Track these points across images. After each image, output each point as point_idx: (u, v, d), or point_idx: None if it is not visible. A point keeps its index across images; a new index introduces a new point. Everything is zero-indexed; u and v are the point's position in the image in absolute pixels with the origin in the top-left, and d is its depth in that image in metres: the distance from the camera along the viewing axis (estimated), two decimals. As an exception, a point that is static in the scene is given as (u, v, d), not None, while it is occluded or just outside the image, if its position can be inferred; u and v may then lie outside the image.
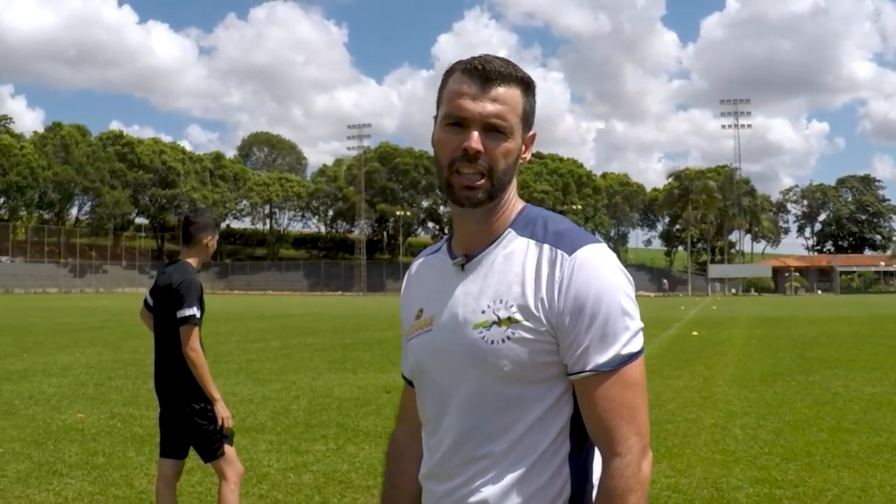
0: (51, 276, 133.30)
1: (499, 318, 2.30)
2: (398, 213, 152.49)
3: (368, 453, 10.27)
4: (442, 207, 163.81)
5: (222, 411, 6.64)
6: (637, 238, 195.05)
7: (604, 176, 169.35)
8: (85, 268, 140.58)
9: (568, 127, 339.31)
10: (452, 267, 2.45)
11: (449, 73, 2.42)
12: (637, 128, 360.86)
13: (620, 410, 2.28)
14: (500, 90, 2.33)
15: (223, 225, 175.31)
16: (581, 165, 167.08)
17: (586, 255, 2.32)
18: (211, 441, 6.65)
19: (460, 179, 2.32)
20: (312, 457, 10.07)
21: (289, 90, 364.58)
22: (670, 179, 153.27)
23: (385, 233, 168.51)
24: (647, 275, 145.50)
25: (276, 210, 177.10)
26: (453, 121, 2.32)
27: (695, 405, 14.36)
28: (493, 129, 2.31)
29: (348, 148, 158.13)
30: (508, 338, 2.28)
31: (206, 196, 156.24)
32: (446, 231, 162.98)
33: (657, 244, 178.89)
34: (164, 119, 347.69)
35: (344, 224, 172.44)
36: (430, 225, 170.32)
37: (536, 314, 2.29)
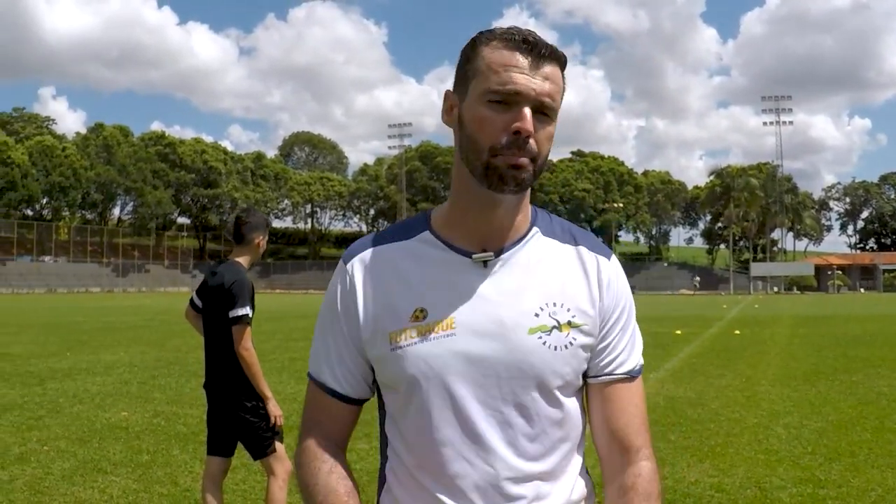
0: (93, 275, 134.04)
1: (558, 322, 2.20)
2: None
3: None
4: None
5: (274, 409, 6.76)
6: (679, 236, 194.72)
7: (645, 174, 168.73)
8: (127, 267, 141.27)
9: (608, 125, 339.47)
10: (468, 263, 2.18)
11: (482, 43, 2.16)
12: (678, 125, 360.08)
13: (643, 416, 2.30)
14: (549, 68, 2.11)
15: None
16: (622, 163, 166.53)
17: (618, 263, 2.38)
18: (262, 438, 6.78)
19: (506, 159, 2.06)
20: (355, 455, 10.11)
21: (329, 90, 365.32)
22: (712, 177, 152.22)
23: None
24: (689, 273, 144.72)
25: (318, 209, 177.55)
26: (500, 97, 2.06)
27: (738, 404, 14.30)
28: (541, 111, 2.09)
29: (389, 147, 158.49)
30: (571, 343, 2.20)
31: (247, 196, 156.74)
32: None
33: (699, 242, 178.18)
34: (205, 119, 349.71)
35: (385, 223, 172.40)
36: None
37: (593, 318, 2.25)
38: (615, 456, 2.25)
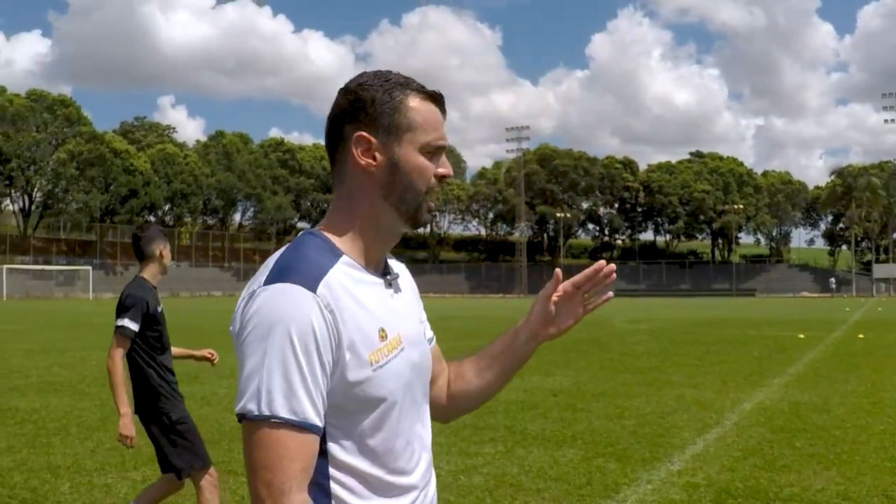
0: (215, 279, 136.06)
1: (425, 322, 2.62)
2: (558, 214, 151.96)
3: (537, 456, 10.34)
4: (602, 209, 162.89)
5: (124, 429, 6.68)
6: (800, 238, 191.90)
7: (764, 174, 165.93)
8: (248, 271, 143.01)
9: (726, 124, 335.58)
10: (383, 284, 2.38)
11: (404, 95, 2.37)
12: (796, 123, 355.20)
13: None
14: None
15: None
16: (741, 164, 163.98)
17: None
18: (165, 453, 6.87)
19: (429, 204, 2.39)
20: (482, 459, 10.19)
21: (445, 94, 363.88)
22: (832, 177, 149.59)
23: (545, 235, 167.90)
24: (811, 275, 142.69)
25: (437, 213, 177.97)
26: (434, 149, 2.37)
27: (863, 410, 14.14)
28: None
29: (507, 151, 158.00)
30: (429, 346, 2.60)
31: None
32: (606, 232, 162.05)
33: (820, 243, 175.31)
34: (322, 125, 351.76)
35: (504, 226, 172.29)
36: (591, 226, 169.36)
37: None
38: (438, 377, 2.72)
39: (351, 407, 2.23)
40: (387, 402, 2.26)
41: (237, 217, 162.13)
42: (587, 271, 2.52)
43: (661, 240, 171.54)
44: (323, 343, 2.14)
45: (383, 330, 2.27)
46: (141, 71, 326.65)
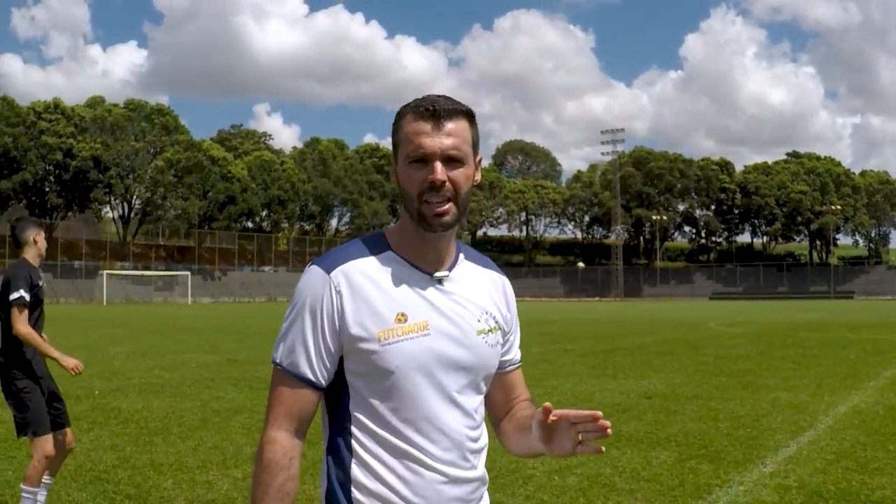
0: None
1: (490, 326, 2.80)
2: (654, 217, 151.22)
3: (631, 458, 10.38)
4: (698, 211, 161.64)
5: (68, 362, 7.75)
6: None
7: (862, 174, 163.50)
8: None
9: (823, 123, 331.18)
10: (429, 279, 2.71)
11: (400, 117, 2.71)
12: (894, 121, 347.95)
13: (526, 386, 3.15)
14: (451, 125, 2.64)
15: (479, 232, 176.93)
16: (839, 163, 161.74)
17: (509, 282, 3.04)
18: (21, 421, 7.79)
19: (430, 208, 2.62)
20: (576, 460, 10.20)
21: (538, 97, 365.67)
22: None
23: (641, 237, 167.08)
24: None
25: (532, 217, 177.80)
26: (415, 158, 2.63)
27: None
28: (452, 160, 2.63)
29: (602, 154, 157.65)
30: (497, 343, 2.84)
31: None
32: (702, 235, 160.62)
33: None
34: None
35: (600, 229, 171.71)
36: (687, 229, 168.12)
37: (504, 325, 2.92)
38: (509, 399, 3.06)
39: (363, 374, 2.64)
40: (394, 375, 2.60)
41: (334, 222, 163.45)
42: (584, 414, 2.62)
43: (758, 242, 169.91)
44: (327, 317, 2.62)
45: (403, 314, 2.62)
46: (236, 79, 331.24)
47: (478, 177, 2.80)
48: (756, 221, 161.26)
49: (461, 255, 2.87)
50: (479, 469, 2.80)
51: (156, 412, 14.16)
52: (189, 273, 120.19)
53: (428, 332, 2.63)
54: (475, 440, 2.76)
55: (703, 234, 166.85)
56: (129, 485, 9.28)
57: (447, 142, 2.62)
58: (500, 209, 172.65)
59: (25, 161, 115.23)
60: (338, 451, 2.71)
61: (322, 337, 2.64)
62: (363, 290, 2.65)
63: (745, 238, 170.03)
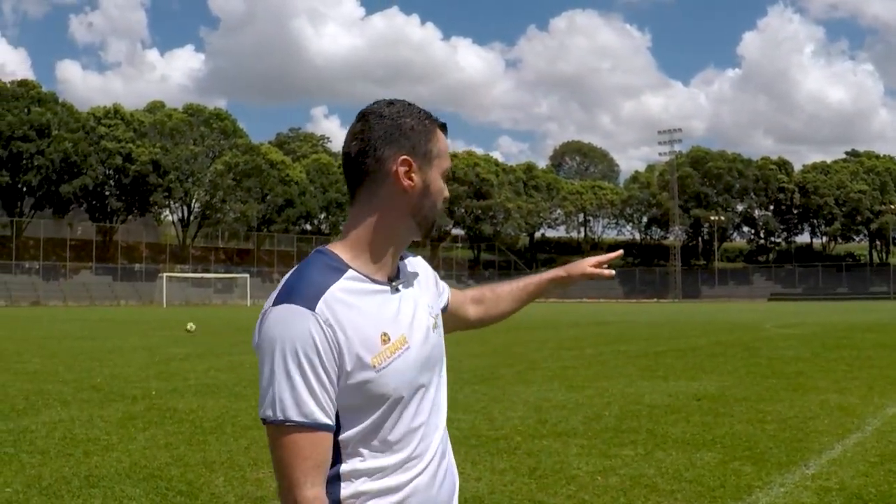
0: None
1: (435, 316, 2.87)
2: (712, 217, 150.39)
3: (675, 459, 10.44)
4: (757, 211, 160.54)
5: None
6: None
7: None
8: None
9: (882, 121, 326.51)
10: (389, 290, 2.69)
11: (432, 126, 2.75)
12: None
13: None
14: None
15: (537, 234, 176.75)
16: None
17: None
18: None
19: (439, 221, 2.79)
20: (620, 461, 10.34)
21: (595, 98, 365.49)
22: None
23: (700, 238, 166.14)
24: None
25: (590, 218, 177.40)
26: (447, 175, 2.78)
27: None
28: None
29: (659, 154, 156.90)
30: (440, 327, 2.91)
31: (520, 206, 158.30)
32: (761, 235, 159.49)
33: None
34: (474, 132, 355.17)
35: (658, 230, 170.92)
36: (746, 229, 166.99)
37: (438, 300, 3.04)
38: (461, 305, 3.31)
39: (357, 405, 2.54)
40: (391, 399, 2.56)
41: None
42: (612, 255, 3.35)
43: (817, 242, 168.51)
44: (325, 354, 2.45)
45: (386, 334, 2.57)
46: (293, 83, 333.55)
47: None
48: (815, 221, 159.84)
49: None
50: (453, 459, 2.90)
51: (210, 412, 14.38)
52: (248, 275, 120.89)
53: (408, 346, 2.62)
54: (444, 432, 2.83)
55: (761, 235, 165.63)
56: (182, 482, 9.46)
57: None
58: (558, 210, 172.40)
59: (86, 166, 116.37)
60: (327, 483, 2.54)
61: (326, 377, 2.47)
62: (349, 319, 2.52)
63: (804, 238, 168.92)
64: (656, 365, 22.12)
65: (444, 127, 2.79)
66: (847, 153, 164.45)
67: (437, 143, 2.72)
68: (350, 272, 2.62)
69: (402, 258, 2.88)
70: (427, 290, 2.92)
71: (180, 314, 70.43)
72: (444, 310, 3.10)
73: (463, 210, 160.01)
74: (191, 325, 27.76)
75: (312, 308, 2.47)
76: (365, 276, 2.65)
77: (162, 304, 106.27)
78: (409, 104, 2.76)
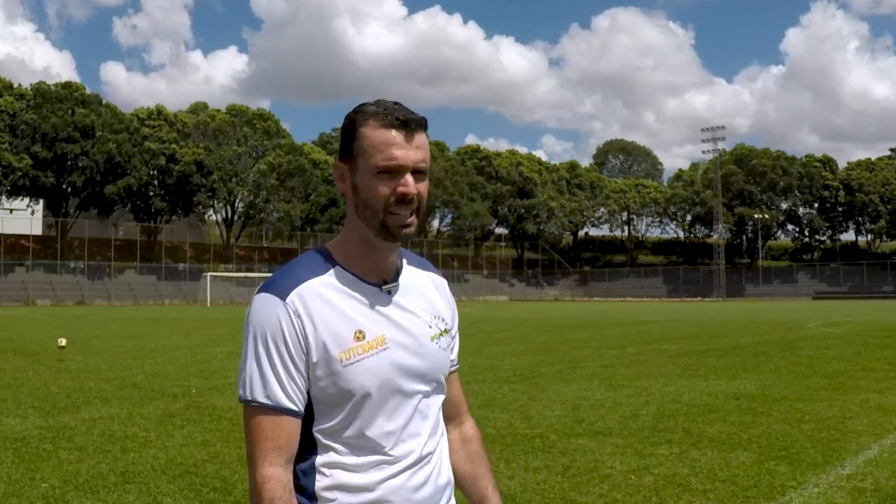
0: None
1: (440, 329, 2.88)
2: (756, 215, 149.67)
3: (710, 458, 10.41)
4: (801, 209, 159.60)
5: None
6: None
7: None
8: (447, 277, 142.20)
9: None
10: (378, 291, 2.75)
11: (361, 123, 2.68)
12: None
13: (462, 392, 3.24)
14: (419, 138, 2.68)
15: (581, 232, 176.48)
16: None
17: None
18: None
19: (396, 220, 2.65)
20: (655, 460, 10.32)
21: (639, 96, 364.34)
22: None
23: (744, 236, 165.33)
24: None
25: (634, 216, 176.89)
26: (386, 169, 2.63)
27: None
28: (419, 172, 2.67)
29: (703, 151, 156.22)
30: (448, 344, 2.93)
31: (563, 205, 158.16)
32: (806, 233, 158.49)
33: None
34: (517, 131, 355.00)
35: (702, 229, 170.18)
36: (790, 227, 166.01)
37: (451, 325, 2.98)
38: (457, 419, 3.17)
39: (327, 398, 2.67)
40: (358, 395, 2.64)
41: (435, 223, 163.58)
42: None
43: (862, 240, 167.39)
44: (292, 342, 2.62)
45: (361, 331, 2.67)
46: (336, 83, 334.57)
47: None
48: (860, 219, 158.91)
49: (404, 261, 2.93)
50: (444, 472, 2.88)
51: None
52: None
53: (386, 346, 2.69)
54: (436, 443, 2.85)
55: (806, 233, 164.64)
56: (216, 478, 9.55)
57: (417, 154, 2.67)
58: (602, 209, 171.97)
59: (130, 166, 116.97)
60: (302, 472, 2.70)
61: (293, 363, 2.62)
62: (320, 312, 2.65)
63: (849, 236, 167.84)
64: (697, 364, 22.05)
65: (389, 122, 2.66)
66: (892, 150, 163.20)
67: (361, 140, 2.68)
68: (337, 269, 2.75)
69: (425, 269, 3.02)
70: (437, 305, 2.95)
71: (224, 313, 70.78)
72: None
73: (506, 209, 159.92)
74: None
75: (284, 298, 2.64)
76: (354, 274, 2.75)
77: (206, 304, 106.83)
78: (365, 103, 2.75)
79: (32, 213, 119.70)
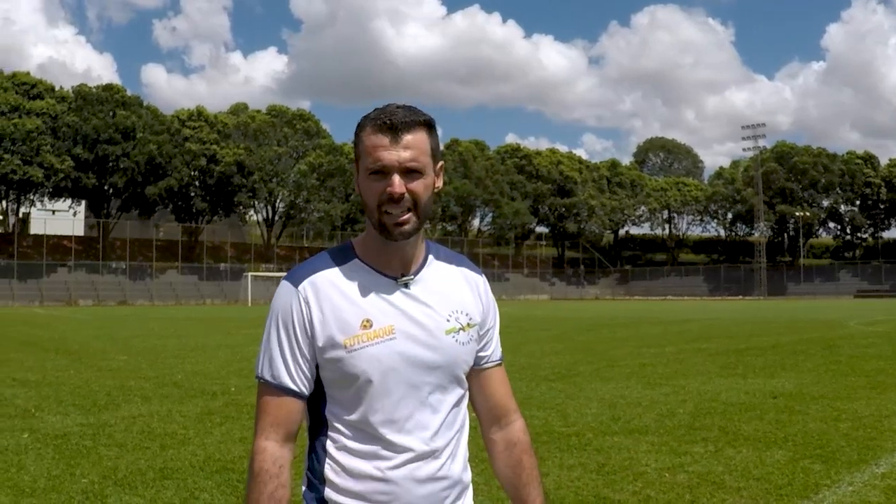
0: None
1: (461, 324, 2.93)
2: (797, 213, 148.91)
3: (745, 456, 10.41)
4: (843, 207, 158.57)
5: None
6: None
7: None
8: (487, 276, 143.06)
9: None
10: (394, 284, 2.86)
11: (361, 129, 2.81)
12: None
13: (510, 388, 3.21)
14: (409, 137, 2.74)
15: (622, 231, 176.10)
16: None
17: (485, 279, 3.17)
18: None
19: (390, 219, 2.75)
20: (690, 458, 10.33)
21: (679, 93, 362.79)
22: None
23: (785, 234, 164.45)
24: None
25: (675, 215, 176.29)
26: (374, 170, 2.74)
27: None
28: (411, 171, 2.73)
29: (744, 149, 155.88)
30: (470, 339, 2.96)
31: (604, 203, 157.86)
32: (847, 231, 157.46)
33: None
34: (557, 130, 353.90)
35: (743, 227, 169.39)
36: (832, 225, 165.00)
37: (479, 320, 3.01)
38: (503, 417, 3.15)
39: (335, 381, 2.83)
40: (360, 380, 2.78)
41: (476, 223, 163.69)
42: None
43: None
44: (300, 326, 2.82)
45: (368, 320, 2.79)
46: (376, 83, 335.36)
47: (439, 183, 2.92)
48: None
49: (430, 257, 3.00)
50: (454, 469, 2.91)
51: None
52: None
53: (394, 336, 2.79)
54: (448, 438, 2.90)
55: (847, 231, 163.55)
56: (253, 475, 9.64)
57: (405, 154, 2.74)
58: (642, 207, 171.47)
59: (171, 167, 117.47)
60: (315, 453, 2.90)
61: (298, 347, 2.82)
62: (330, 300, 2.81)
63: (891, 234, 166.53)
64: (736, 363, 21.99)
65: (379, 126, 2.77)
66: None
67: (360, 144, 2.82)
68: (355, 261, 2.91)
69: (458, 265, 3.09)
70: (461, 300, 3.00)
71: (264, 313, 70.80)
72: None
73: (547, 208, 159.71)
74: None
75: (297, 286, 2.86)
76: (372, 266, 2.89)
77: (247, 303, 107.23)
78: (376, 109, 2.85)
79: (75, 214, 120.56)
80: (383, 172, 2.75)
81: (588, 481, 9.24)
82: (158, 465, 10.12)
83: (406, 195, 2.74)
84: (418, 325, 2.85)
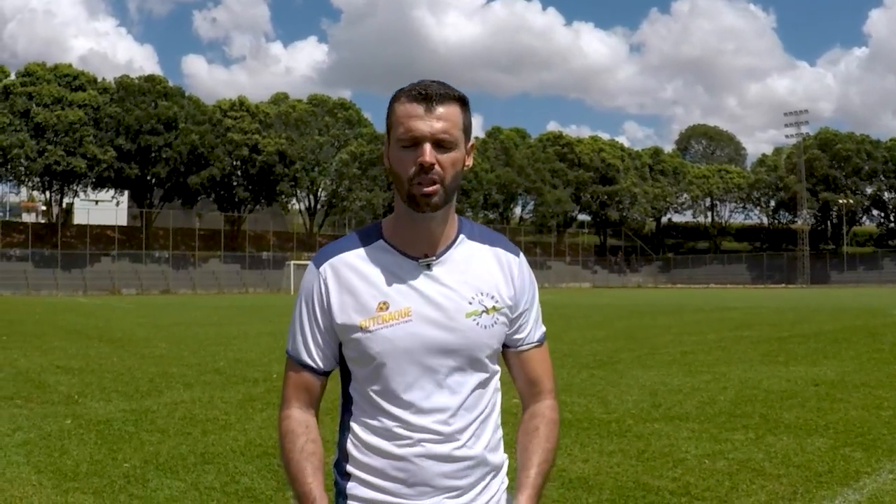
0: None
1: (486, 307, 2.91)
2: (841, 201, 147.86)
3: (786, 444, 10.40)
4: (887, 194, 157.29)
5: None
6: None
7: None
8: (530, 264, 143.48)
9: None
10: (416, 265, 2.88)
11: (394, 101, 2.82)
12: None
13: (551, 369, 3.21)
14: (442, 109, 2.74)
15: (664, 219, 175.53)
16: None
17: (524, 259, 3.15)
18: None
19: (419, 189, 2.74)
20: (730, 445, 10.34)
21: (721, 80, 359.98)
22: None
23: (828, 222, 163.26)
24: None
25: (717, 202, 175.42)
26: (407, 143, 2.74)
27: None
28: (441, 144, 2.73)
29: (786, 136, 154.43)
30: (496, 322, 2.93)
31: (646, 191, 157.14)
32: (892, 219, 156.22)
33: None
34: (599, 117, 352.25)
35: (786, 214, 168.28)
36: (875, 213, 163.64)
37: (510, 303, 2.98)
38: (536, 396, 3.16)
39: (355, 359, 2.91)
40: (376, 361, 2.83)
41: (517, 211, 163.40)
42: None
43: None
44: (318, 306, 2.93)
45: (385, 302, 2.84)
46: (417, 72, 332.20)
47: (469, 162, 2.89)
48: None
49: (462, 236, 2.98)
50: (475, 449, 2.91)
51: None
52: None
53: (410, 318, 2.82)
54: (469, 420, 2.90)
55: (891, 218, 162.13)
56: (291, 463, 9.71)
57: (437, 125, 2.73)
58: (685, 195, 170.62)
59: (213, 157, 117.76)
60: (342, 428, 3.03)
61: (317, 325, 2.94)
62: (348, 282, 2.88)
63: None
64: (778, 350, 21.91)
65: (413, 97, 2.78)
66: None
67: (391, 116, 2.83)
68: (380, 242, 2.95)
69: (491, 245, 3.04)
70: (489, 281, 2.97)
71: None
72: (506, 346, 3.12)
73: (589, 196, 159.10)
74: None
75: (318, 267, 2.95)
76: (396, 247, 2.92)
77: (289, 292, 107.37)
78: (416, 82, 2.85)
79: (118, 204, 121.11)
80: (415, 143, 2.75)
81: (628, 467, 9.26)
82: (200, 450, 10.24)
83: (436, 167, 2.74)
84: (436, 307, 2.86)
